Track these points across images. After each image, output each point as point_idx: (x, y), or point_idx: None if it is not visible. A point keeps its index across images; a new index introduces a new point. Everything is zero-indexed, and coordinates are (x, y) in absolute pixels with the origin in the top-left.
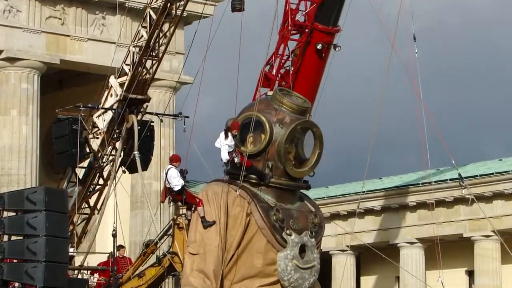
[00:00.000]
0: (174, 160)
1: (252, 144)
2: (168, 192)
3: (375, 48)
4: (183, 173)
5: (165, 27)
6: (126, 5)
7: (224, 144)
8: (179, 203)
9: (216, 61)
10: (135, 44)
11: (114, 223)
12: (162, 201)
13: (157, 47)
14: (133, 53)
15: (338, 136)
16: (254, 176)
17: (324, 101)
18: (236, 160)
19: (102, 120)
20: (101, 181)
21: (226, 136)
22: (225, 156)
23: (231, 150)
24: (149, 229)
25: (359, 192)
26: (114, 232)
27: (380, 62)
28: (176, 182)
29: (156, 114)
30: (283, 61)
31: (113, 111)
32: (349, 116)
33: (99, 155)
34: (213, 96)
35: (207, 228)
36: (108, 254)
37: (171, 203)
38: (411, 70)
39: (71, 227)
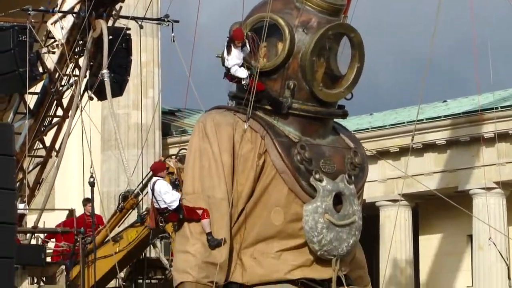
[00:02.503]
0: (158, 169)
1: (266, 57)
2: (157, 213)
3: None
4: (175, 182)
5: None
6: None
7: (229, 60)
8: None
9: None
10: None
11: (91, 167)
12: (152, 227)
13: None
14: None
15: (386, 44)
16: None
17: None
18: (243, 81)
19: (59, 28)
20: (59, 112)
21: (229, 51)
22: (243, 74)
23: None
24: (129, 176)
25: (415, 121)
26: (92, 179)
27: None
28: (171, 197)
29: (134, 18)
30: None
31: (74, 15)
32: (401, 14)
33: (56, 76)
34: None
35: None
36: (68, 212)
37: (164, 224)
38: None
39: (20, 175)
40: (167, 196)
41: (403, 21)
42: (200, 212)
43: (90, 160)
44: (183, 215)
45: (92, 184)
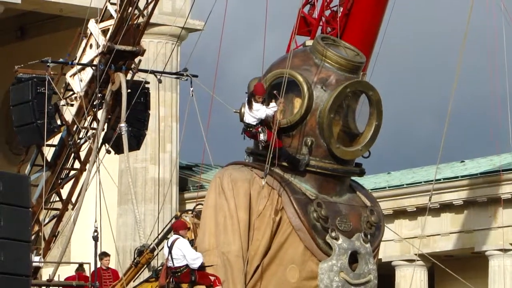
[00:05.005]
0: (180, 227)
1: (282, 113)
2: (170, 273)
3: None
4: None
5: None
6: None
7: (253, 112)
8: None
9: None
10: None
11: (95, 221)
12: (162, 284)
13: None
14: None
15: (404, 103)
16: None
17: (385, 55)
18: (261, 137)
19: (78, 81)
20: (77, 165)
21: (250, 106)
22: (260, 114)
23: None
24: (144, 231)
25: (433, 181)
26: (95, 233)
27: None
28: (196, 255)
29: (153, 72)
30: None
31: (93, 68)
32: (418, 76)
33: (74, 129)
34: (230, 48)
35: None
36: (86, 265)
37: (174, 285)
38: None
39: (36, 228)
40: (191, 253)
41: (422, 78)
42: (212, 278)
43: (99, 214)
44: (196, 278)
45: (95, 239)
